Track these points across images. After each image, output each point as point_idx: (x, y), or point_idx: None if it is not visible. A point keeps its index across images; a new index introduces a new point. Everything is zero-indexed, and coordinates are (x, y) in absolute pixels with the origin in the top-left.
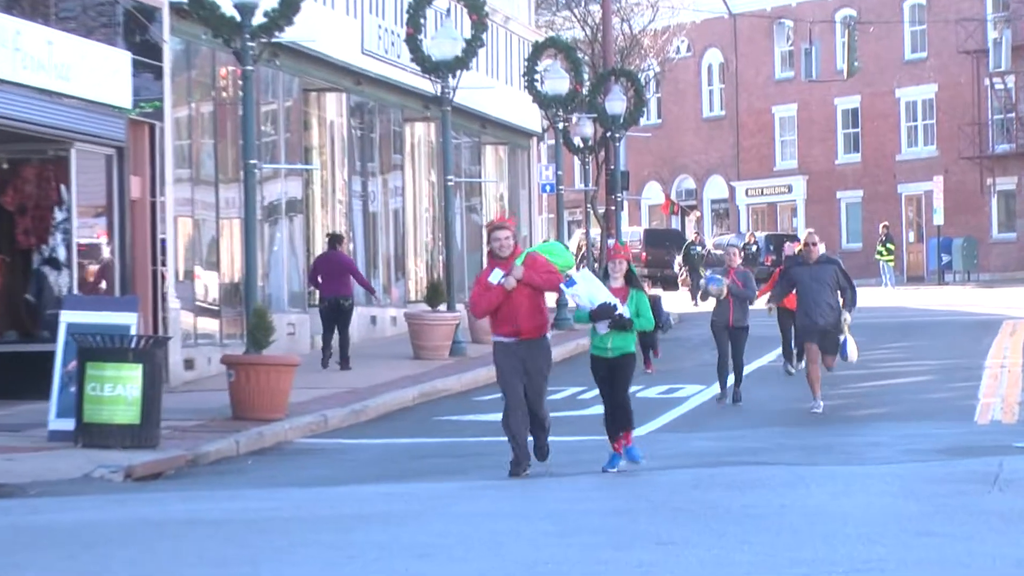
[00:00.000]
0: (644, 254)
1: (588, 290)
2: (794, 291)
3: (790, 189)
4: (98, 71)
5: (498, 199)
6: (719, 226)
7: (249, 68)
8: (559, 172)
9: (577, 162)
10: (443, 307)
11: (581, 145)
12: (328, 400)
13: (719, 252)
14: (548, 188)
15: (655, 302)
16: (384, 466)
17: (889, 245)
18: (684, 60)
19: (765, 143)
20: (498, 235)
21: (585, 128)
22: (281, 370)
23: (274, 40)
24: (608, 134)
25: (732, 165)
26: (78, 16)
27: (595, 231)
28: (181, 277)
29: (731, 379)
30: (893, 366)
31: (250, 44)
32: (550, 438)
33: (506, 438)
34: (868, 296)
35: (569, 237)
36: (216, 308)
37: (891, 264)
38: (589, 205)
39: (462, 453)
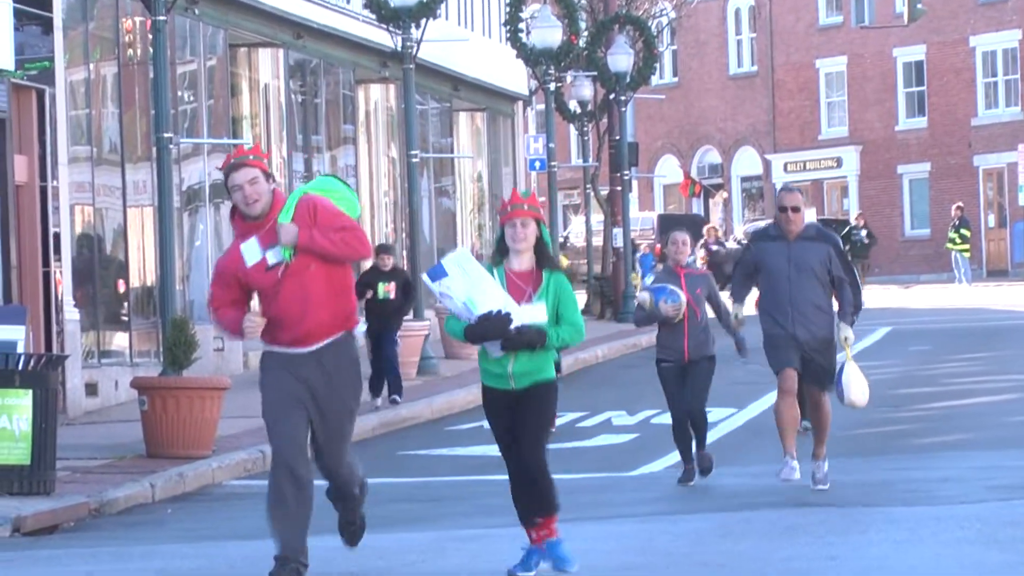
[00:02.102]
0: (659, 245)
1: (467, 286)
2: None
3: (839, 163)
4: None
5: (475, 179)
6: (751, 210)
7: (161, 19)
8: (551, 145)
9: (574, 132)
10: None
11: (578, 111)
12: (261, 434)
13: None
14: (538, 164)
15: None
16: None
17: (963, 231)
18: (705, 3)
19: (808, 106)
20: (237, 178)
21: (582, 90)
22: (207, 395)
23: None
24: (611, 97)
25: (767, 134)
26: None
27: (597, 218)
28: (81, 280)
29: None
30: (970, 382)
31: None
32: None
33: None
34: (937, 295)
35: (566, 227)
36: (125, 319)
37: (966, 255)
38: (589, 185)
39: (435, 496)
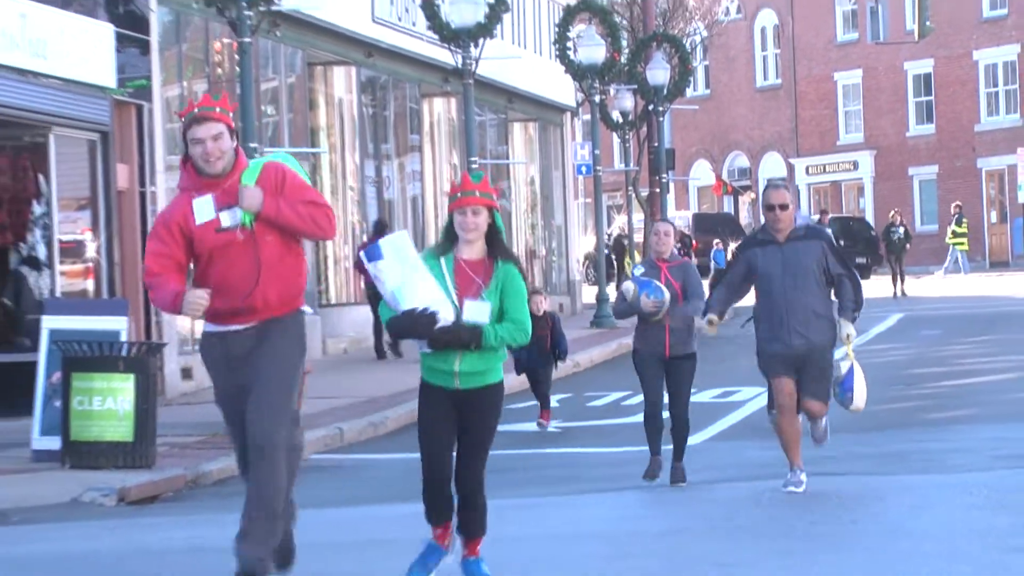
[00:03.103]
0: (695, 241)
1: (399, 274)
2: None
3: (856, 166)
4: (78, 47)
5: (528, 182)
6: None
7: (247, 40)
8: (596, 151)
9: (616, 139)
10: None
11: (620, 120)
12: (344, 411)
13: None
14: (584, 169)
15: (555, 321)
16: (407, 484)
17: (956, 228)
18: (734, 23)
19: (827, 115)
20: (199, 132)
21: (624, 101)
22: None
23: (274, 8)
24: (650, 107)
25: (790, 140)
26: None
27: (637, 216)
28: None
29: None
30: (976, 362)
31: (248, 13)
32: None
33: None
34: (936, 285)
35: (609, 224)
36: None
37: (963, 249)
38: (631, 187)
39: (494, 468)
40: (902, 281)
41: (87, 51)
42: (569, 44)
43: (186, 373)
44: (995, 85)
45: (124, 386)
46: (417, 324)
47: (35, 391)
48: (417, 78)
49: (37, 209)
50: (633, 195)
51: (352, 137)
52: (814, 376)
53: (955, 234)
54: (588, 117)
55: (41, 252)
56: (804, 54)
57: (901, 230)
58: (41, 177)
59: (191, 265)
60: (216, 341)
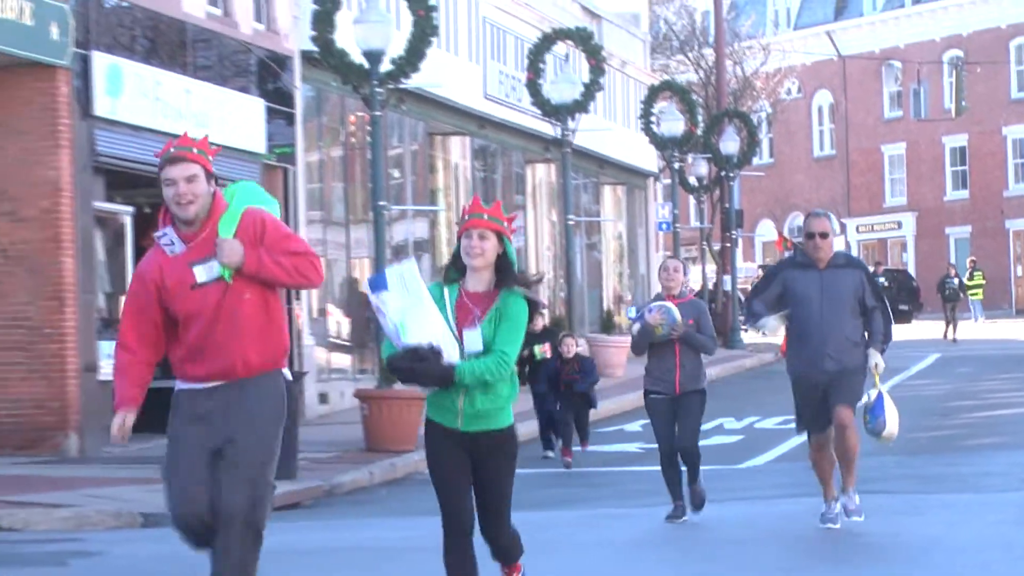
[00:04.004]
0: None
1: (403, 306)
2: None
3: (900, 225)
4: (233, 118)
5: (616, 237)
6: None
7: (377, 113)
8: (675, 211)
9: (692, 201)
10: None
11: (696, 184)
12: None
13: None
14: (664, 226)
15: (585, 363)
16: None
17: (968, 281)
18: (795, 101)
19: (875, 181)
20: (173, 172)
21: (700, 168)
22: (411, 403)
23: (401, 86)
24: (722, 173)
25: (843, 202)
26: (214, 66)
27: (710, 268)
28: (315, 315)
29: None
30: (1005, 396)
31: (378, 90)
32: None
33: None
34: (977, 329)
35: (686, 274)
36: (348, 344)
37: (978, 298)
38: (704, 242)
39: (586, 483)
40: (954, 328)
41: (242, 122)
42: (653, 118)
43: (322, 398)
44: (1021, 157)
45: None
46: (418, 362)
47: None
48: (522, 147)
49: None
50: (706, 249)
51: (466, 197)
52: (844, 386)
53: (970, 286)
54: (668, 181)
55: None
56: (855, 129)
57: (955, 281)
58: None
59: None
60: (186, 398)
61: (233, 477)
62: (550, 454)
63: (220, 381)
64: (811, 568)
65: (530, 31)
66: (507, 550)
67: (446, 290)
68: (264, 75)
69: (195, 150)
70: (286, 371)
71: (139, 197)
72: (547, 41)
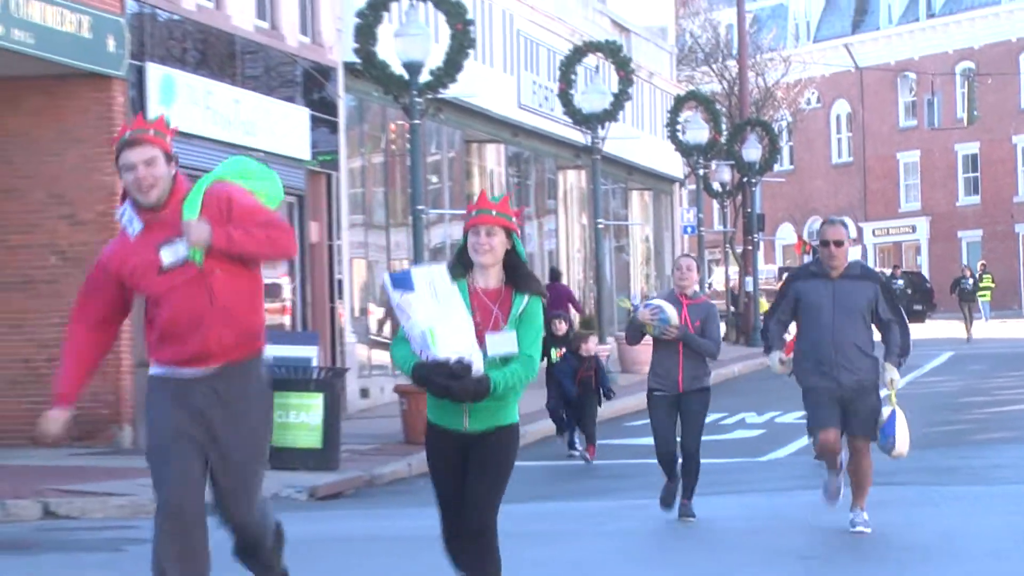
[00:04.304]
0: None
1: (432, 312)
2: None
3: (914, 229)
4: (280, 126)
5: (644, 240)
6: None
7: (416, 122)
8: (700, 215)
9: (716, 205)
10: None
11: (720, 190)
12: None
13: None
14: (690, 230)
15: (599, 364)
16: (541, 487)
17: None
18: (814, 111)
19: (890, 187)
20: (131, 156)
21: (723, 174)
22: None
23: (439, 96)
24: (745, 179)
25: (859, 207)
26: (261, 76)
27: (733, 269)
28: (356, 313)
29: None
30: (1015, 393)
31: (417, 100)
32: None
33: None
34: (989, 328)
35: (710, 275)
36: (388, 342)
37: (986, 299)
38: (728, 245)
39: (615, 474)
40: (971, 325)
41: (288, 130)
42: (678, 127)
43: (364, 393)
44: None
45: (314, 403)
46: (454, 380)
47: None
48: (554, 154)
49: None
50: (729, 251)
51: None
52: (863, 416)
53: (980, 287)
54: (693, 187)
55: None
56: (872, 137)
57: (970, 282)
58: None
59: (129, 311)
60: (167, 384)
61: (237, 493)
62: (575, 453)
63: (199, 368)
64: (830, 557)
65: (562, 44)
66: (486, 549)
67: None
68: (309, 85)
69: (153, 132)
70: (266, 354)
71: None
72: (578, 53)
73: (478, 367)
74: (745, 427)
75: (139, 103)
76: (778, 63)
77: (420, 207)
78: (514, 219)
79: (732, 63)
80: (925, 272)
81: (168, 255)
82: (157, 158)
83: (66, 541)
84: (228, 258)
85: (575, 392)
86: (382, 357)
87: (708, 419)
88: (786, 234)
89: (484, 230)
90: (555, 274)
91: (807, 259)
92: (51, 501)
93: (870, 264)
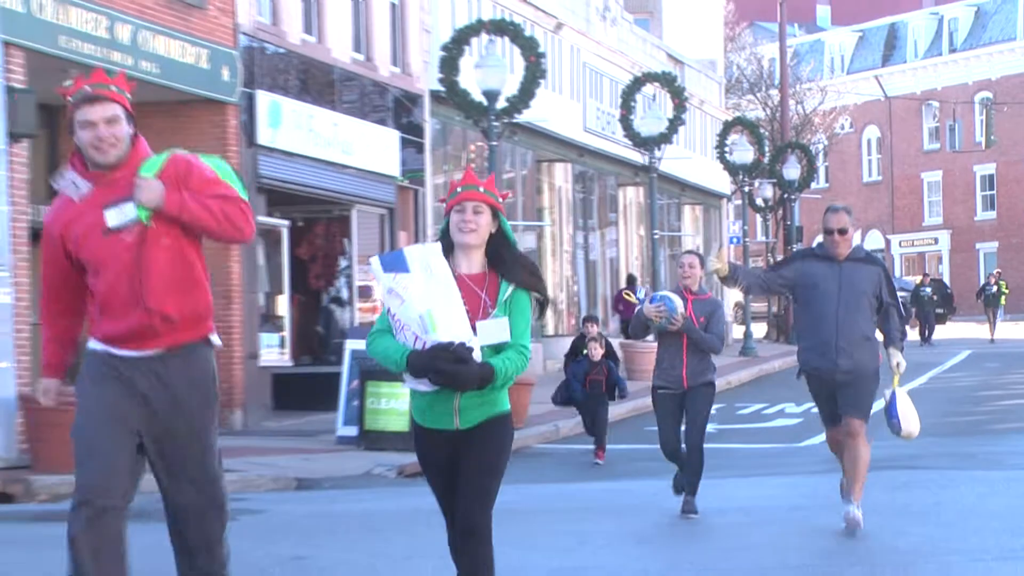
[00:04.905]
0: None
1: (429, 295)
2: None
3: (936, 241)
4: (373, 147)
5: (696, 248)
6: None
7: (493, 143)
8: (745, 227)
9: (759, 219)
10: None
11: (763, 205)
12: (558, 413)
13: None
14: (735, 240)
15: (610, 368)
16: (605, 468)
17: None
18: (847, 135)
19: (915, 203)
20: (92, 113)
21: (766, 191)
22: (521, 387)
23: (513, 120)
24: (785, 196)
25: (887, 221)
26: (357, 102)
27: None
28: None
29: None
30: None
31: (494, 124)
32: None
33: None
34: (1005, 329)
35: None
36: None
37: (1001, 304)
38: (769, 255)
39: (659, 458)
40: (994, 327)
41: (380, 150)
42: (726, 148)
43: None
44: None
45: (402, 391)
46: (460, 364)
47: (339, 393)
48: (615, 172)
49: (342, 263)
50: (771, 260)
51: (567, 214)
52: (854, 395)
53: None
54: (739, 202)
55: (344, 294)
56: (899, 159)
57: (994, 288)
58: (345, 240)
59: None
60: (106, 360)
61: (178, 480)
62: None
63: (140, 350)
64: (862, 530)
65: (623, 74)
66: (477, 549)
67: None
68: (399, 110)
69: (114, 88)
70: (214, 337)
71: (294, 212)
72: (637, 83)
73: (476, 354)
74: (785, 416)
75: (249, 126)
76: (815, 92)
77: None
78: (501, 200)
79: (774, 92)
80: (946, 279)
81: (114, 216)
82: (119, 116)
83: None
84: (179, 227)
85: (581, 394)
86: None
87: (752, 408)
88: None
89: (471, 207)
90: (631, 280)
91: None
92: None
93: (898, 273)
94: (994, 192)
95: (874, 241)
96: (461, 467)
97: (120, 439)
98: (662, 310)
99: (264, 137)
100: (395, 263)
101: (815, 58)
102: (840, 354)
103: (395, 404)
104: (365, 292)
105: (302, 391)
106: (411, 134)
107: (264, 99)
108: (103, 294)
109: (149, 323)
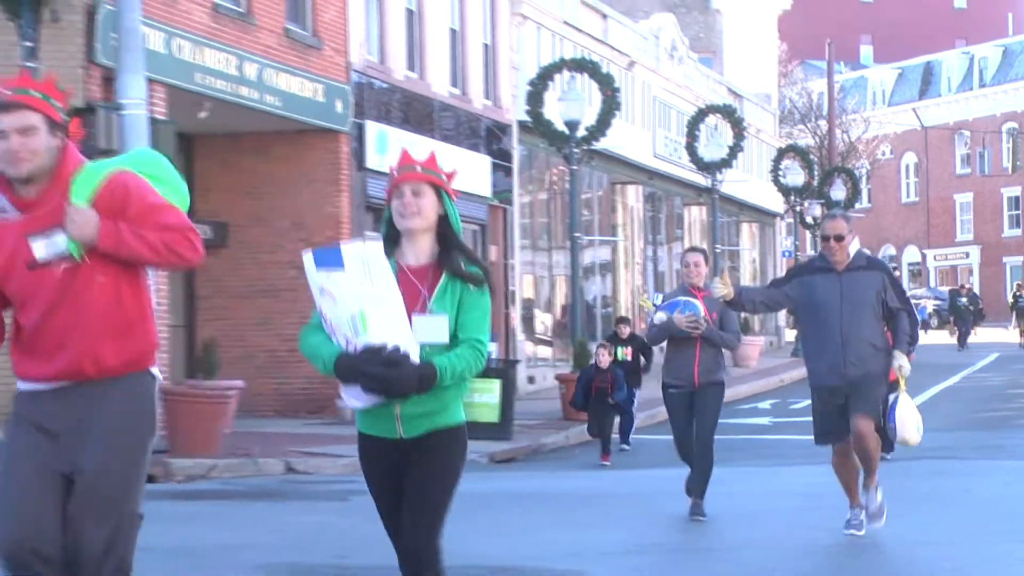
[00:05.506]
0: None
1: (363, 295)
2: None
3: (967, 255)
4: (467, 170)
5: (751, 262)
6: (913, 283)
7: (574, 168)
8: (796, 242)
9: (809, 235)
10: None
11: (812, 223)
12: None
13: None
14: (787, 254)
15: (616, 375)
16: (672, 455)
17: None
18: (888, 160)
19: (948, 221)
20: (2, 123)
21: (815, 210)
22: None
23: (591, 147)
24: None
25: (923, 238)
26: (453, 131)
27: None
28: (525, 317)
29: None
30: None
31: (575, 150)
32: None
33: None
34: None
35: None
36: (550, 340)
37: None
38: None
39: (730, 448)
40: (1021, 334)
41: (473, 173)
42: (780, 172)
43: (530, 379)
44: None
45: (493, 387)
46: (392, 367)
47: None
48: (681, 193)
49: None
50: None
51: (638, 231)
52: (863, 394)
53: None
54: (791, 220)
55: None
56: (934, 182)
57: (963, 299)
58: None
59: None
60: (28, 400)
61: (88, 513)
62: (625, 447)
63: (60, 381)
64: (902, 512)
65: (688, 106)
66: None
67: None
68: (490, 138)
69: (37, 93)
70: (156, 370)
71: None
72: (701, 114)
73: (415, 354)
74: None
75: (359, 152)
76: (859, 123)
77: (576, 234)
78: (445, 178)
79: (823, 122)
80: (976, 290)
81: (41, 248)
82: (36, 128)
83: (304, 491)
84: (117, 262)
85: (582, 401)
86: (544, 351)
87: (801, 404)
88: None
89: (409, 189)
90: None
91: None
92: (292, 460)
93: (932, 284)
94: (1020, 212)
95: (911, 255)
96: (406, 482)
97: (45, 491)
98: (692, 319)
99: (372, 162)
100: (329, 259)
101: (859, 92)
102: (849, 367)
103: (486, 398)
104: None
105: None
106: (501, 159)
107: (372, 128)
108: (30, 333)
109: (80, 368)
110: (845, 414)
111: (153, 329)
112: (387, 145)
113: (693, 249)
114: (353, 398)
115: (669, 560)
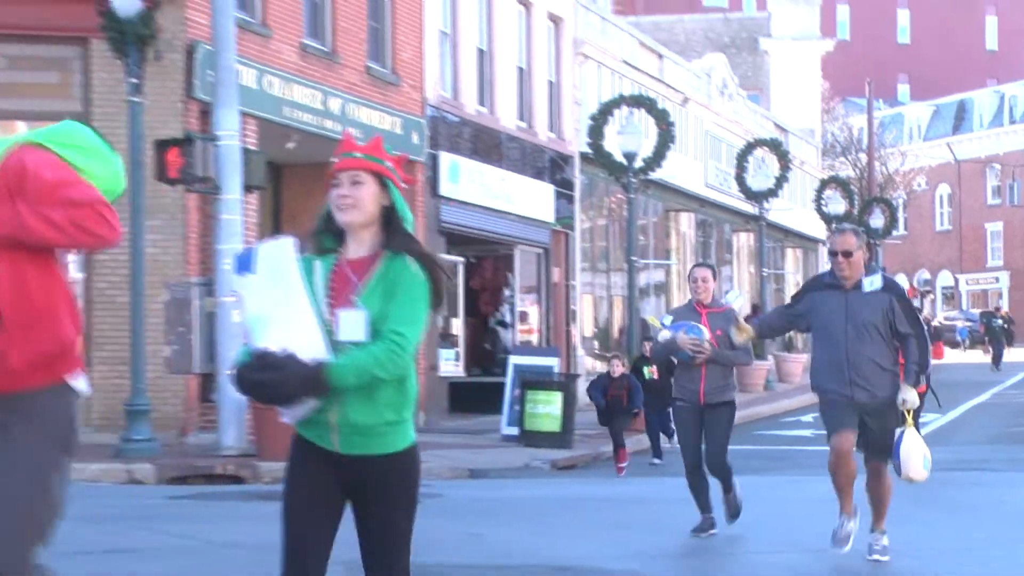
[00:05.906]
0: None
1: (265, 299)
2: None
3: (997, 280)
4: (532, 198)
5: (796, 285)
6: (948, 305)
7: (631, 196)
8: None
9: None
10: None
11: None
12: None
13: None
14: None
15: (631, 384)
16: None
17: None
18: (923, 191)
19: (980, 248)
20: None
21: None
22: None
23: (648, 177)
24: (871, 242)
25: (956, 263)
26: (519, 161)
27: None
28: (585, 334)
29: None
30: None
31: (632, 180)
32: None
33: None
34: None
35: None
36: (608, 355)
37: None
38: None
39: (772, 457)
40: None
41: (538, 201)
42: (823, 202)
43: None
44: None
45: (555, 398)
46: (269, 371)
47: (503, 399)
48: (730, 220)
49: (506, 292)
50: None
51: (691, 255)
52: (877, 437)
53: None
54: None
55: (507, 318)
56: (967, 211)
57: (1000, 320)
58: (509, 274)
59: None
60: None
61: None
62: (656, 461)
63: None
64: (938, 520)
65: (737, 140)
66: None
67: (318, 264)
68: (554, 168)
69: None
70: (79, 383)
71: (468, 251)
72: (749, 147)
73: (318, 354)
74: None
75: (433, 180)
76: (897, 156)
77: (633, 257)
78: (390, 164)
79: (863, 155)
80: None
81: None
82: None
83: None
84: (20, 247)
85: (603, 404)
86: (603, 367)
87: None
88: (900, 282)
89: (347, 178)
90: (755, 309)
91: (916, 301)
92: None
93: (964, 307)
94: None
95: (945, 280)
96: (357, 524)
97: None
98: (697, 343)
99: (445, 190)
100: (244, 263)
101: (896, 128)
102: (855, 389)
103: (549, 409)
104: (524, 317)
105: (473, 397)
106: (563, 187)
107: (446, 159)
108: None
109: None
110: (856, 416)
111: (68, 326)
112: (459, 174)
113: (700, 264)
114: (285, 415)
115: (715, 563)
